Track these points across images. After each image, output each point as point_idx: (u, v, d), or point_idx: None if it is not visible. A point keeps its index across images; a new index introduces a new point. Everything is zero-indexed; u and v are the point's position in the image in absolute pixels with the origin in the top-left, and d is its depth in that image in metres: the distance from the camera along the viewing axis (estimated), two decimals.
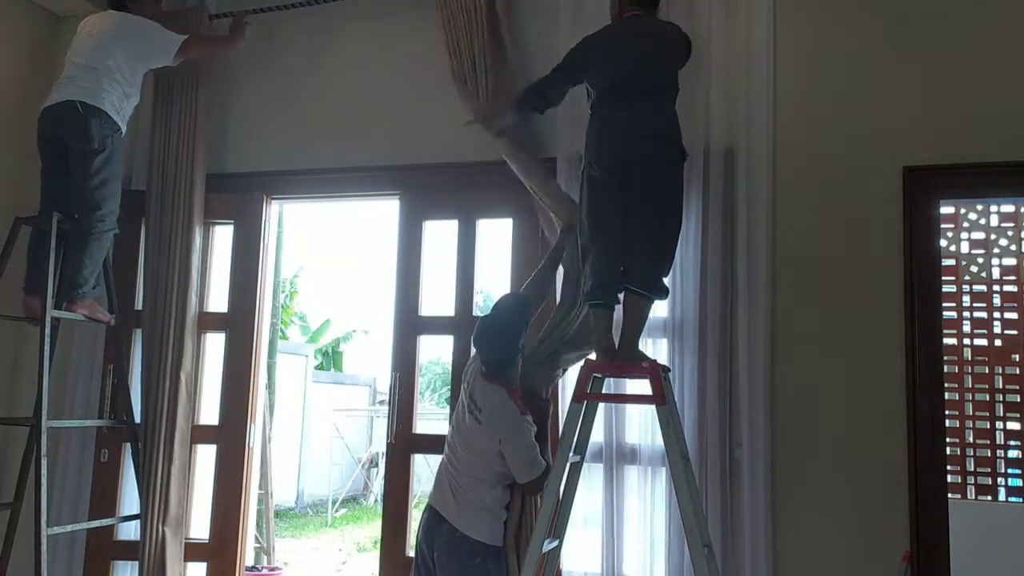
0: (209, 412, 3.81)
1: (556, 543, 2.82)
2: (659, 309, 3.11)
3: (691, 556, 2.58)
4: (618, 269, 2.79)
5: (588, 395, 2.84)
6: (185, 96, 3.81)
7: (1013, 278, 4.53)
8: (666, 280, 2.82)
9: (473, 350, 3.10)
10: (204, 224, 3.80)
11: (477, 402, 2.91)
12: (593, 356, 2.91)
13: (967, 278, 4.59)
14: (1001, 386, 4.47)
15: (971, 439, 4.46)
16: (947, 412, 3.22)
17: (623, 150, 2.80)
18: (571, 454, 2.77)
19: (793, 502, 2.99)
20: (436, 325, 3.67)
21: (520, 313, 3.02)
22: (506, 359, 2.95)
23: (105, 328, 3.67)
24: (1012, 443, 4.47)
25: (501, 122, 3.22)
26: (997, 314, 4.53)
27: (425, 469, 11.14)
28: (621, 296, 2.83)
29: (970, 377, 4.51)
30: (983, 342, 4.53)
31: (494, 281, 3.76)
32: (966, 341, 4.55)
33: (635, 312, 2.79)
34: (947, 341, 4.26)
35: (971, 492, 4.44)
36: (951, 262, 4.54)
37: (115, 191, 3.49)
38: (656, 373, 2.71)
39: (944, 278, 4.00)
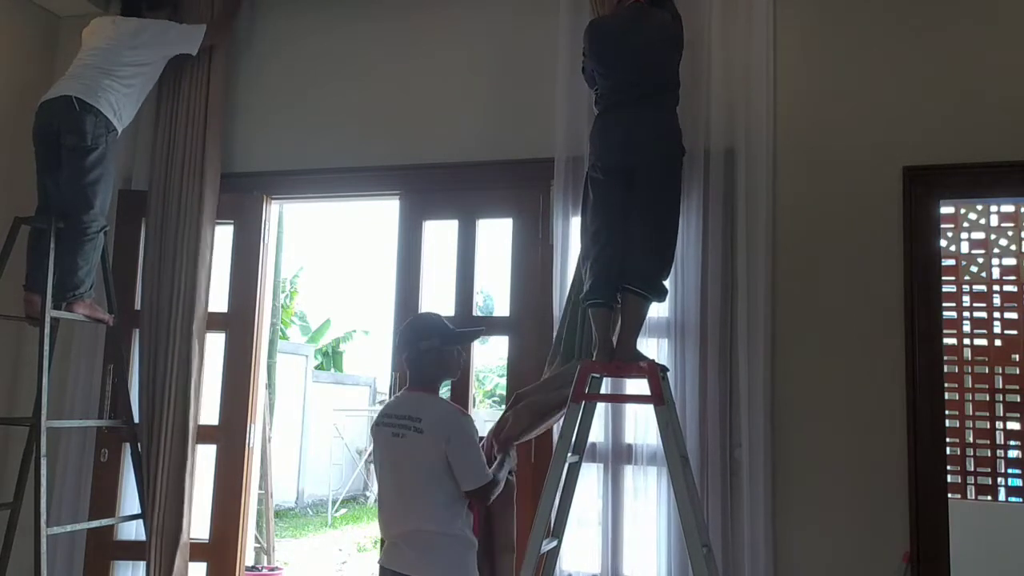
0: (209, 412, 3.81)
1: (555, 543, 2.82)
2: (660, 309, 3.11)
3: (690, 556, 2.58)
4: (617, 269, 2.80)
5: (586, 395, 2.84)
6: (191, 96, 3.81)
7: (1013, 278, 4.53)
8: (665, 282, 2.83)
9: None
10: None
11: (411, 414, 2.63)
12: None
13: (967, 278, 4.59)
14: (1001, 386, 4.47)
15: (971, 439, 4.46)
16: (947, 412, 3.22)
17: (623, 154, 2.84)
18: (570, 454, 2.78)
19: (793, 502, 2.99)
20: None
21: (435, 321, 2.80)
22: (421, 357, 2.71)
23: (105, 328, 3.67)
24: (1012, 443, 4.47)
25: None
26: (997, 314, 4.52)
27: None
28: (620, 298, 2.84)
29: (970, 377, 4.50)
30: (983, 342, 4.52)
31: (494, 281, 3.76)
32: (966, 341, 4.55)
33: (633, 312, 2.79)
34: (947, 341, 4.26)
35: (971, 492, 4.43)
36: (951, 262, 4.54)
37: (106, 190, 3.49)
38: (654, 373, 2.71)
39: (944, 278, 4.00)
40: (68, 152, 3.40)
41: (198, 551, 3.64)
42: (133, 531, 3.73)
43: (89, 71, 3.46)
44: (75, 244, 3.40)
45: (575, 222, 3.25)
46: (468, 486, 2.59)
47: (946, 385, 3.24)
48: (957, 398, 4.46)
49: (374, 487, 12.49)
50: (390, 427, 2.68)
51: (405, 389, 2.80)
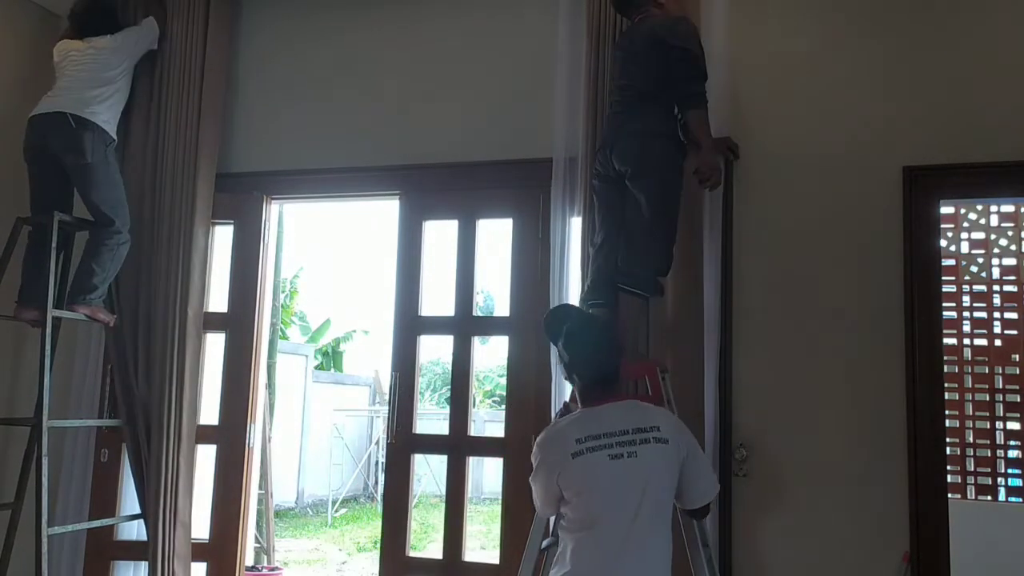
0: (209, 412, 3.81)
1: (554, 542, 2.82)
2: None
3: (690, 556, 2.58)
4: (612, 269, 2.83)
5: None
6: (185, 96, 3.80)
7: (1013, 278, 4.53)
8: (661, 278, 2.84)
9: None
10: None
11: (641, 425, 2.20)
12: None
13: (967, 278, 4.59)
14: (1001, 386, 4.47)
15: (971, 439, 4.46)
16: (947, 412, 3.22)
17: (611, 159, 2.85)
18: None
19: (793, 502, 2.99)
20: (436, 325, 3.67)
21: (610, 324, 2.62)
22: (617, 365, 2.35)
23: (105, 328, 3.67)
24: (1012, 443, 4.47)
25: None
26: (997, 314, 4.53)
27: (425, 469, 11.19)
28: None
29: (970, 377, 4.51)
30: (983, 342, 4.53)
31: (494, 281, 3.76)
32: (966, 341, 4.55)
33: (627, 311, 2.80)
34: (947, 341, 4.26)
35: (971, 492, 4.43)
36: (951, 262, 4.54)
37: (121, 199, 3.53)
38: (654, 375, 2.71)
39: (944, 278, 4.00)
40: (73, 171, 3.43)
41: (198, 551, 3.63)
42: (133, 531, 3.73)
43: (76, 84, 3.47)
44: (94, 252, 3.44)
45: (575, 222, 3.26)
46: (704, 499, 2.32)
47: (946, 385, 3.24)
48: (957, 398, 4.47)
49: (377, 486, 12.50)
50: (605, 448, 2.16)
51: (596, 402, 2.29)
